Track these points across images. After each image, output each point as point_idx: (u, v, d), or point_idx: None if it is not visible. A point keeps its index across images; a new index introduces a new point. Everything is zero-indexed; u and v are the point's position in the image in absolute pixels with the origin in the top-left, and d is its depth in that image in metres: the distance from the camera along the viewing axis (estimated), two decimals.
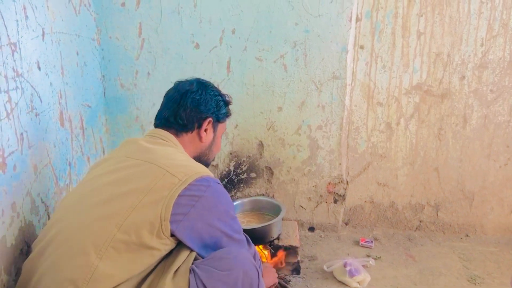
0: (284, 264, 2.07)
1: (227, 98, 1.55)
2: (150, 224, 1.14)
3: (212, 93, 1.48)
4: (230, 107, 1.57)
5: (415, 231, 2.59)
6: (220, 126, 1.54)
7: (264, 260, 1.99)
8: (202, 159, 1.48)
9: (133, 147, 1.34)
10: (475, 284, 2.06)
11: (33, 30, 1.50)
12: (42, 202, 1.57)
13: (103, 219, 1.15)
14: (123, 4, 2.18)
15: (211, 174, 1.30)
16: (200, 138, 1.45)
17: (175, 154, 1.32)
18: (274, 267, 2.00)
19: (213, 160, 1.62)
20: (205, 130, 1.46)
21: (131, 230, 1.13)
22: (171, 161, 1.25)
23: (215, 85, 1.56)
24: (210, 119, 1.46)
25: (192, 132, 1.44)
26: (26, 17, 1.45)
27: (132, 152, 1.32)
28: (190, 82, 1.49)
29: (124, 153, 1.33)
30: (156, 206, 1.15)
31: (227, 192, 1.32)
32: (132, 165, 1.26)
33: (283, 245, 2.07)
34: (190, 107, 1.43)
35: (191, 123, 1.43)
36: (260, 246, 2.03)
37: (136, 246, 1.14)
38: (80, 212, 1.21)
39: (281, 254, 2.07)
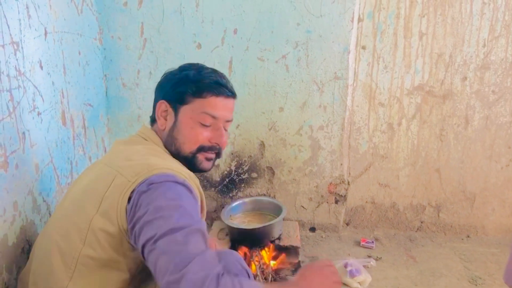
0: (286, 264, 2.07)
1: (201, 72, 1.25)
2: (111, 236, 1.04)
3: (176, 72, 1.28)
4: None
5: (416, 231, 2.58)
6: (186, 109, 1.23)
7: (266, 261, 1.99)
8: (173, 151, 1.25)
9: (112, 150, 1.28)
10: (476, 285, 2.06)
11: (35, 29, 1.51)
12: (44, 201, 1.57)
13: (69, 234, 1.08)
14: (125, 4, 2.18)
15: (172, 171, 1.07)
16: (158, 125, 1.28)
17: (141, 153, 1.17)
18: (276, 268, 2.00)
19: (194, 157, 1.26)
20: (164, 116, 1.26)
21: (95, 243, 1.05)
22: (128, 162, 1.11)
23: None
24: (162, 101, 1.25)
25: (156, 121, 1.29)
26: (29, 16, 1.46)
27: (108, 156, 1.25)
28: None
29: (103, 158, 1.27)
30: (112, 214, 1.04)
31: (187, 192, 1.05)
32: (96, 171, 1.17)
33: (284, 245, 2.07)
34: (154, 93, 1.32)
35: (153, 110, 1.31)
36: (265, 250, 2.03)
37: (104, 261, 1.05)
38: (52, 227, 1.15)
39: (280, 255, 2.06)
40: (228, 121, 1.29)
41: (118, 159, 1.15)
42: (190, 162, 1.25)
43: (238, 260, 1.19)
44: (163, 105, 1.26)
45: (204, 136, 1.24)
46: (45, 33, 1.59)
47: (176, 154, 1.25)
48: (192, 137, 1.23)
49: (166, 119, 1.26)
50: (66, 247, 1.07)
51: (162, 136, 1.27)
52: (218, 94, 1.24)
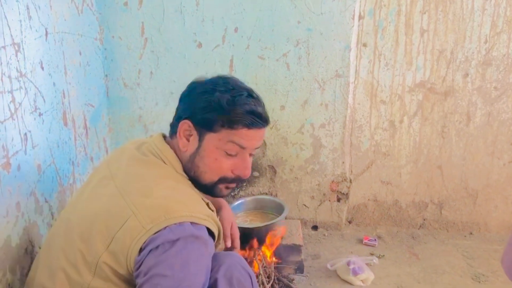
0: (288, 263, 2.08)
1: (235, 99, 1.11)
2: (120, 273, 1.02)
3: (208, 89, 1.14)
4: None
5: (418, 229, 2.58)
6: (212, 138, 1.13)
7: (269, 260, 1.99)
8: (191, 176, 1.18)
9: (127, 166, 1.16)
10: (479, 282, 2.06)
11: (36, 30, 1.51)
12: (46, 201, 1.57)
13: (77, 263, 1.04)
14: (125, 4, 2.18)
15: (192, 218, 1.00)
16: (178, 143, 1.18)
17: (160, 186, 1.07)
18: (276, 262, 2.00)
19: (213, 186, 1.19)
20: (186, 136, 1.16)
21: (105, 277, 1.02)
22: (145, 200, 1.02)
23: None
24: (186, 121, 1.14)
25: (175, 135, 1.19)
26: (30, 17, 1.46)
27: (121, 174, 1.14)
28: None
29: (115, 171, 1.17)
30: (121, 259, 1.00)
31: (193, 251, 0.98)
32: (108, 196, 1.09)
33: (286, 244, 2.07)
34: (179, 102, 1.22)
35: (175, 122, 1.20)
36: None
37: None
38: (58, 246, 1.10)
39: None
40: (256, 148, 1.20)
41: (134, 191, 1.06)
42: (208, 190, 1.20)
43: (241, 263, 1.19)
44: (186, 125, 1.15)
45: (227, 167, 1.16)
46: (46, 34, 1.59)
47: (195, 180, 1.18)
48: (215, 168, 1.15)
49: (188, 140, 1.16)
50: (75, 276, 1.04)
51: (182, 157, 1.18)
52: (251, 126, 1.13)
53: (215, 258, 1.13)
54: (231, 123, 1.11)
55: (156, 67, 2.27)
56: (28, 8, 1.45)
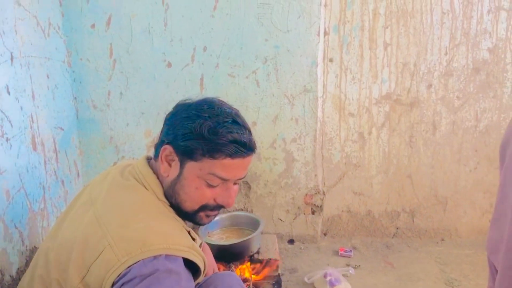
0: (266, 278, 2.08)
1: (218, 127, 1.05)
2: None
3: (191, 114, 1.08)
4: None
5: (392, 238, 2.63)
6: (193, 166, 1.07)
7: (247, 276, 1.99)
8: (172, 203, 1.13)
9: (108, 192, 1.13)
10: (452, 287, 2.10)
11: (1, 55, 1.49)
12: (16, 228, 1.54)
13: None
14: (93, 26, 2.18)
15: (169, 251, 0.97)
16: (160, 167, 1.13)
17: (136, 213, 1.04)
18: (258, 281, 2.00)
19: (194, 214, 1.14)
20: (168, 161, 1.11)
21: None
22: (122, 231, 0.99)
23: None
24: (168, 146, 1.09)
25: (157, 159, 1.14)
26: None
27: (102, 199, 1.11)
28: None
29: (95, 196, 1.13)
30: None
31: (171, 283, 0.94)
32: (86, 223, 1.05)
33: (263, 259, 2.07)
34: (164, 124, 1.16)
35: (157, 145, 1.15)
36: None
37: None
38: (37, 273, 1.08)
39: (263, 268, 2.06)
40: (240, 179, 1.14)
41: (112, 220, 1.02)
42: (189, 218, 1.16)
43: (238, 282, 1.21)
44: (168, 151, 1.09)
45: (209, 196, 1.11)
46: (12, 58, 1.57)
47: (176, 207, 1.13)
48: (195, 197, 1.10)
49: (170, 165, 1.11)
50: None
51: (164, 183, 1.13)
52: (233, 156, 1.06)
53: (215, 277, 1.12)
54: (212, 152, 1.05)
55: (125, 88, 2.27)
56: None
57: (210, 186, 1.09)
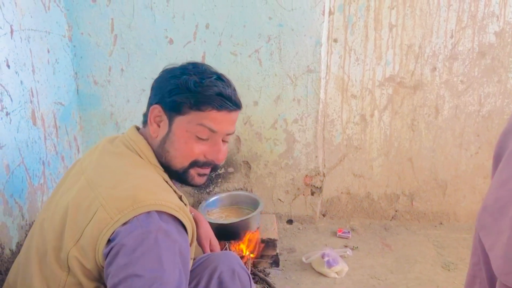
0: (264, 257, 2.09)
1: (202, 81, 1.09)
2: (88, 271, 0.98)
3: (176, 73, 1.12)
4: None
5: (391, 220, 2.64)
6: (181, 120, 1.10)
7: (245, 254, 2.00)
8: (163, 163, 1.14)
9: (98, 158, 1.14)
10: (448, 270, 2.12)
11: (0, 28, 1.47)
12: (16, 202, 1.54)
13: (51, 261, 1.02)
14: (94, 0, 2.15)
15: (160, 207, 0.97)
16: (149, 129, 1.15)
17: (129, 176, 1.05)
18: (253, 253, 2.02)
19: (185, 172, 1.15)
20: (157, 122, 1.13)
21: (77, 273, 0.99)
22: (113, 191, 1.00)
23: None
24: (156, 106, 1.12)
25: (147, 123, 1.16)
26: None
27: (92, 166, 1.12)
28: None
29: (87, 165, 1.14)
30: (89, 253, 0.97)
31: (165, 248, 0.94)
32: (79, 189, 1.06)
33: (262, 238, 2.08)
34: (151, 90, 1.18)
35: (146, 111, 1.17)
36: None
37: None
38: (34, 244, 1.09)
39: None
40: (228, 134, 1.16)
41: (103, 182, 1.03)
42: (180, 178, 1.16)
43: (239, 261, 1.23)
44: (157, 110, 1.12)
45: (199, 151, 1.12)
46: (11, 31, 1.55)
47: (167, 167, 1.14)
48: (185, 152, 1.11)
49: (159, 126, 1.13)
50: (50, 275, 1.02)
51: (153, 144, 1.15)
52: (220, 108, 1.10)
53: (215, 256, 1.13)
54: (199, 105, 1.08)
55: (126, 64, 2.24)
56: None
57: (199, 139, 1.11)
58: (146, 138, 1.16)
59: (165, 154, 1.12)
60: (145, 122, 1.18)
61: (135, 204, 0.95)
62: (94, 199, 0.99)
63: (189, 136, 1.11)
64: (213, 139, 1.13)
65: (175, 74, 1.11)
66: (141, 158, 1.13)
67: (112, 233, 0.94)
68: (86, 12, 2.16)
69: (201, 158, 1.14)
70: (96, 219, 0.96)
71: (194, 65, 1.15)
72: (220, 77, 1.13)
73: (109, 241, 0.94)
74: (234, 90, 1.15)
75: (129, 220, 0.94)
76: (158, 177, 1.12)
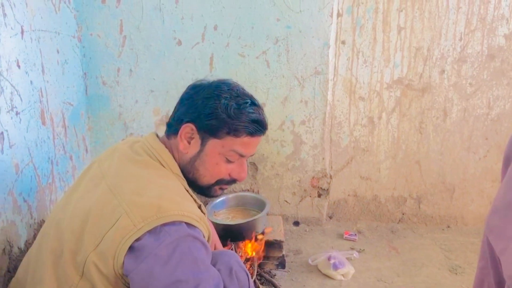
0: (270, 258, 2.09)
1: (240, 108, 1.13)
2: (104, 276, 1.00)
3: (213, 94, 1.14)
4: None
5: (398, 223, 2.63)
6: (215, 144, 1.15)
7: (251, 255, 2.00)
8: (189, 177, 1.20)
9: (120, 165, 1.15)
10: (456, 274, 2.10)
11: (11, 28, 1.49)
12: (25, 201, 1.55)
13: (66, 263, 1.03)
14: (103, 1, 2.16)
15: (184, 218, 1.00)
16: (179, 145, 1.18)
17: (154, 185, 1.07)
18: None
19: (210, 187, 1.23)
20: (187, 138, 1.17)
21: (92, 279, 1.00)
22: (138, 198, 1.01)
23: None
24: (189, 124, 1.15)
25: (176, 136, 1.18)
26: (4, 14, 1.44)
27: (114, 172, 1.13)
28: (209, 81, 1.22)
29: (107, 169, 1.16)
30: (108, 258, 0.98)
31: (196, 250, 0.98)
32: (100, 194, 1.07)
33: (268, 240, 2.08)
34: (180, 103, 1.21)
35: (175, 123, 1.19)
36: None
37: None
38: (47, 243, 1.10)
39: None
40: (252, 155, 1.26)
41: (127, 190, 1.04)
42: (203, 191, 1.24)
43: (237, 260, 1.24)
44: (189, 128, 1.16)
45: (226, 171, 1.20)
46: (22, 32, 1.57)
47: (191, 182, 1.21)
48: (214, 172, 1.19)
49: (189, 143, 1.17)
50: (63, 277, 1.03)
51: (181, 159, 1.19)
52: (253, 134, 1.17)
53: (213, 255, 1.13)
54: (236, 131, 1.14)
55: (135, 65, 2.26)
56: (2, 6, 1.43)
57: (228, 162, 1.18)
58: (168, 148, 1.20)
59: (194, 171, 1.19)
60: (170, 133, 1.22)
61: (159, 213, 0.97)
62: (118, 206, 1.01)
63: (220, 159, 1.18)
64: (240, 161, 1.21)
65: (212, 96, 1.15)
66: (163, 166, 1.16)
67: (135, 240, 0.95)
68: (96, 13, 2.17)
69: (226, 177, 1.22)
70: (119, 226, 0.97)
71: (229, 86, 1.18)
72: (253, 102, 1.19)
73: (131, 248, 0.96)
74: (264, 113, 1.21)
75: (153, 229, 0.96)
76: (180, 186, 1.16)
